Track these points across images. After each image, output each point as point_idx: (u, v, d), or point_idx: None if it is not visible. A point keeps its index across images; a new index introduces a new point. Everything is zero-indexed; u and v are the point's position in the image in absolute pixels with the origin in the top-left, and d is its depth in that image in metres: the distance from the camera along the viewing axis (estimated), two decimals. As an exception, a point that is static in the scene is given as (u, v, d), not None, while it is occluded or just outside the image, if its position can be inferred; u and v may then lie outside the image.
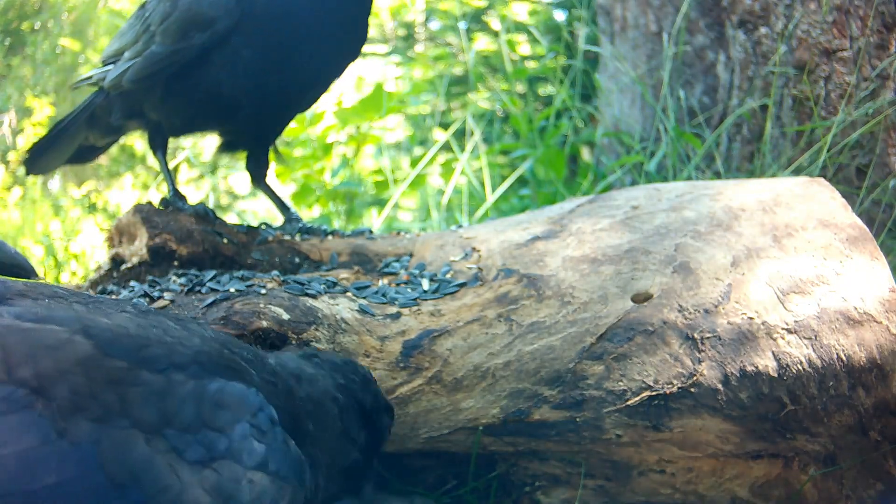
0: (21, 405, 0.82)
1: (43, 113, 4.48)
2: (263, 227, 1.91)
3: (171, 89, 1.81)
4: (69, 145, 2.05)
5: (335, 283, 1.65)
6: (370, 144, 3.64)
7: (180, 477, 0.87)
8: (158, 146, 1.92)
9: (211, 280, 1.67)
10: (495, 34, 4.52)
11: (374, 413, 1.23)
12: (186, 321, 1.06)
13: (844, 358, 1.40)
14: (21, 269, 1.50)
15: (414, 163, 3.59)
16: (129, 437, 0.86)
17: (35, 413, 0.82)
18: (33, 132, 4.61)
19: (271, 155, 2.03)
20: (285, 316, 1.43)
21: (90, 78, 1.95)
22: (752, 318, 1.43)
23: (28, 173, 2.18)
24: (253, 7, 1.65)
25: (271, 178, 2.04)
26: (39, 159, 2.08)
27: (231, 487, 0.91)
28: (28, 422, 0.82)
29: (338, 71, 1.87)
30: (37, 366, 0.84)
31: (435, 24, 5.08)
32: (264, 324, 1.41)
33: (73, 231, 4.10)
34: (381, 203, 3.78)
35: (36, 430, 0.82)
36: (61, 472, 0.81)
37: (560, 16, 4.45)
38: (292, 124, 2.97)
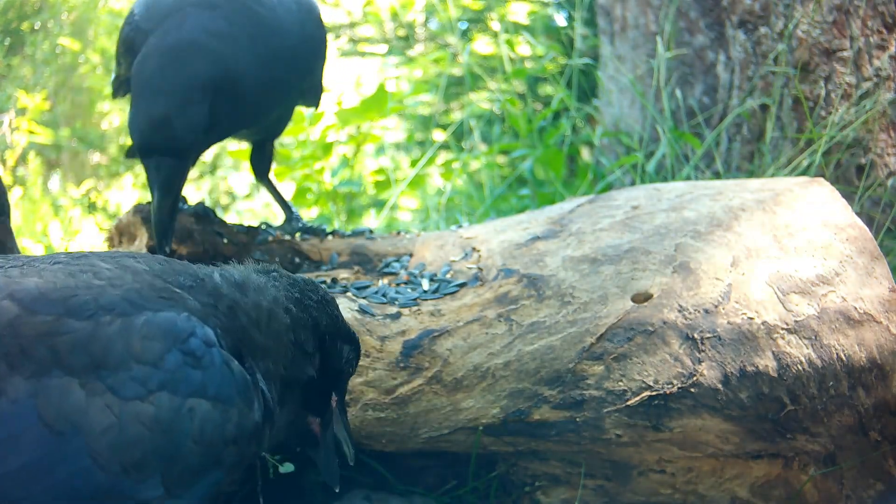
0: None
1: (36, 101, 4.47)
2: (263, 227, 1.92)
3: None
4: None
5: (335, 283, 1.65)
6: (370, 144, 3.64)
7: (118, 416, 0.89)
8: None
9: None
10: (495, 34, 4.52)
11: (330, 335, 1.18)
12: (122, 258, 1.06)
13: (844, 358, 1.40)
14: None
15: (414, 163, 3.59)
16: (65, 385, 0.88)
17: None
18: (28, 128, 4.61)
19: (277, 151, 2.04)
20: (285, 316, 1.43)
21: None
22: (752, 318, 1.43)
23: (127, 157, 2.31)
24: None
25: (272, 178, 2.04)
26: None
27: (170, 417, 0.92)
28: None
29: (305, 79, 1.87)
30: None
31: (434, 25, 5.08)
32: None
33: (73, 231, 4.10)
34: (380, 203, 3.78)
35: None
36: (3, 429, 0.85)
37: (560, 19, 4.45)
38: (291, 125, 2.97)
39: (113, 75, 1.86)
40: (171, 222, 1.60)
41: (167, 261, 1.10)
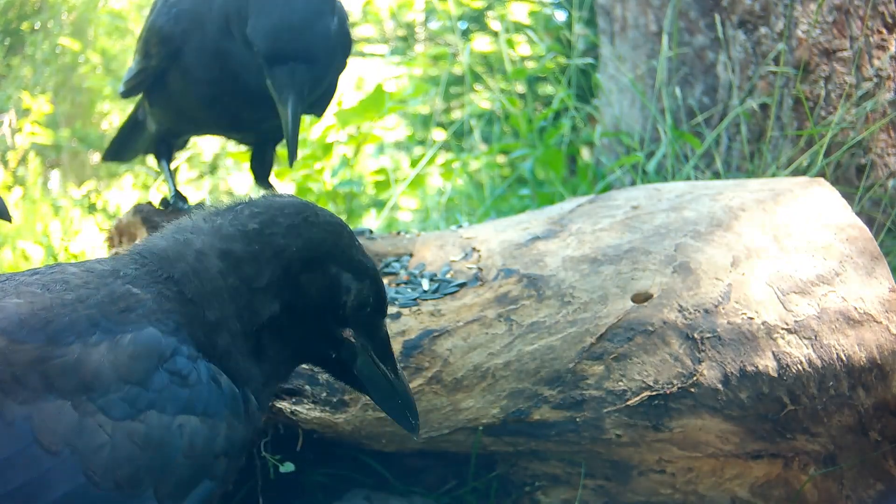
0: None
1: (39, 105, 4.47)
2: (264, 227, 1.91)
3: (150, 99, 1.88)
4: (134, 137, 2.14)
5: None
6: (370, 144, 3.63)
7: (110, 435, 0.92)
8: (161, 147, 1.94)
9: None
10: (495, 34, 4.52)
11: (307, 262, 1.08)
12: (88, 262, 1.08)
13: (844, 358, 1.40)
14: None
15: (414, 163, 3.59)
16: (58, 407, 0.91)
17: None
18: (31, 130, 4.60)
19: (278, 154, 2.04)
20: (285, 316, 1.43)
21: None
22: (752, 318, 1.43)
23: (103, 160, 2.34)
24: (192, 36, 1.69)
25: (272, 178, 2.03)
26: (114, 150, 2.21)
27: (160, 435, 0.94)
28: None
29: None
30: None
31: (434, 25, 5.08)
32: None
33: (73, 231, 4.10)
34: (380, 203, 3.78)
35: None
36: (0, 451, 0.88)
37: (560, 16, 4.45)
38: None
39: (132, 72, 1.83)
40: (298, 134, 1.59)
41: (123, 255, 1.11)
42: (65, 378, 0.93)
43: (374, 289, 1.14)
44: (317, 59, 1.56)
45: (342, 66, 1.86)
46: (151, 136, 1.95)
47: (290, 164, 1.65)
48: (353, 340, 1.14)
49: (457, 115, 4.56)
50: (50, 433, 0.90)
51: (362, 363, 1.15)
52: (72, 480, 0.89)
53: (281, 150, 2.06)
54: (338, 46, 1.75)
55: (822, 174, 2.27)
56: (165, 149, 1.93)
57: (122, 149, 2.19)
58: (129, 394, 0.94)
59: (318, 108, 1.95)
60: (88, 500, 0.90)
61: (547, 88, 4.30)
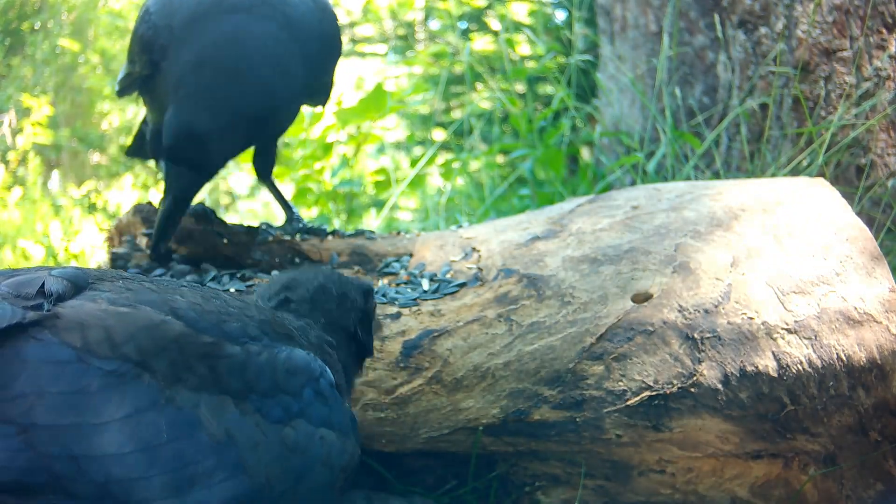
0: (131, 376, 0.93)
1: (42, 112, 4.48)
2: (264, 227, 1.91)
3: (144, 99, 1.89)
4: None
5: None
6: (370, 144, 3.64)
7: (266, 434, 1.00)
8: (156, 146, 1.93)
9: (211, 280, 1.67)
10: (495, 34, 4.52)
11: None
12: (229, 294, 1.18)
13: (844, 358, 1.40)
14: None
15: (414, 163, 3.59)
16: (222, 402, 0.98)
17: (144, 383, 0.94)
18: (33, 132, 4.61)
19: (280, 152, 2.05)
20: (285, 316, 1.43)
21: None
22: (752, 318, 1.43)
23: (126, 155, 2.37)
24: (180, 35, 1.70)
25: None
26: (135, 146, 2.25)
27: (306, 443, 1.04)
28: (140, 390, 0.93)
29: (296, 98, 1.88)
30: (138, 344, 0.95)
31: (434, 24, 5.08)
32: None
33: (73, 231, 4.10)
34: (380, 203, 3.78)
35: (147, 397, 0.93)
36: (171, 432, 0.93)
37: (560, 15, 4.45)
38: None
39: (122, 73, 1.85)
40: (173, 229, 1.64)
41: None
42: (230, 375, 1.00)
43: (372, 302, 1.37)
44: (208, 172, 1.63)
45: (336, 58, 1.87)
46: (151, 134, 1.95)
47: (151, 256, 1.72)
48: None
49: (457, 114, 4.56)
50: (215, 424, 0.96)
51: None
52: (232, 469, 0.95)
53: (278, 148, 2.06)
54: (327, 47, 1.77)
55: (821, 174, 2.27)
56: (160, 147, 1.94)
57: (143, 144, 2.21)
58: (283, 401, 1.04)
59: (318, 100, 1.96)
60: (243, 489, 0.96)
61: (547, 88, 4.30)
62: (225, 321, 1.05)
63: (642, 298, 1.48)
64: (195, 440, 0.94)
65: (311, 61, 1.72)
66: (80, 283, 1.02)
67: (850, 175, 2.34)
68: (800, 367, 1.40)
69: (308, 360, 1.10)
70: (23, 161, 4.85)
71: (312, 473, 1.04)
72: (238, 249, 1.80)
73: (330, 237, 1.88)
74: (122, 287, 1.04)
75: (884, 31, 2.28)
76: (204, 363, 0.98)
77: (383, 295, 1.59)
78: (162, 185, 2.92)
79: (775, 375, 1.40)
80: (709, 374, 1.40)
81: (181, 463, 0.92)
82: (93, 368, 0.92)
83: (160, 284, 1.09)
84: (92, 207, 4.89)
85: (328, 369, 1.13)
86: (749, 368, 1.40)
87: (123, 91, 1.88)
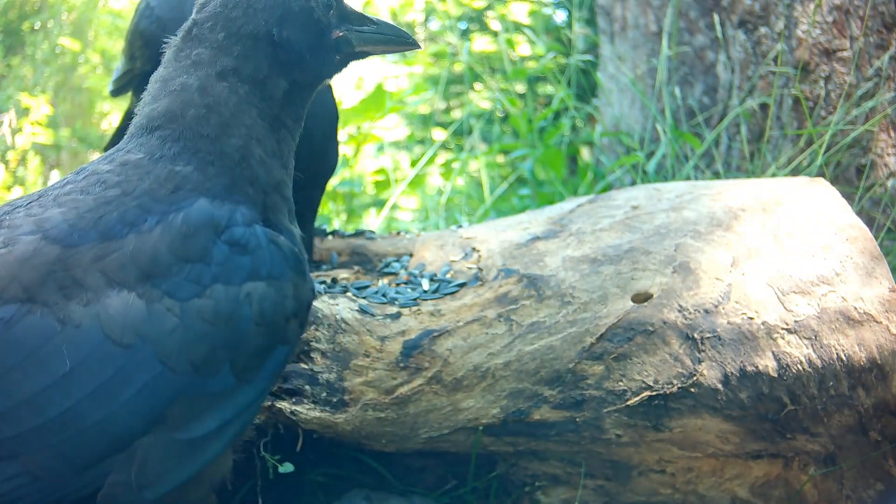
0: (21, 314, 0.89)
1: (41, 112, 4.47)
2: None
3: (138, 98, 1.87)
4: None
5: (335, 283, 1.65)
6: (370, 144, 3.63)
7: (179, 317, 0.91)
8: None
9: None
10: (495, 34, 4.51)
11: (280, 20, 1.09)
12: (113, 164, 1.06)
13: (844, 358, 1.40)
14: None
15: (414, 163, 3.59)
16: (123, 300, 0.91)
17: (35, 316, 0.89)
18: (32, 131, 4.60)
19: None
20: (285, 316, 1.43)
21: None
22: (752, 318, 1.43)
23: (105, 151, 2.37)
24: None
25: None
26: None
27: (229, 308, 0.93)
28: (31, 325, 0.89)
29: None
30: (20, 282, 0.91)
31: (434, 25, 5.08)
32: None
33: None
34: (380, 203, 3.78)
35: (40, 330, 0.89)
36: (74, 355, 0.88)
37: (560, 16, 4.45)
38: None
39: (119, 71, 1.84)
40: None
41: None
42: (124, 270, 0.92)
43: None
44: None
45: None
46: None
47: None
48: (343, 34, 1.15)
49: (457, 114, 4.56)
50: (119, 327, 0.89)
51: (357, 38, 1.16)
52: (149, 370, 0.89)
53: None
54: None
55: (821, 174, 2.27)
56: None
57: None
58: (192, 272, 0.93)
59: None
60: (168, 386, 0.90)
61: (547, 88, 4.30)
62: (103, 216, 0.95)
63: (642, 298, 1.48)
64: (101, 353, 0.88)
65: None
66: None
67: (850, 175, 2.34)
68: (800, 367, 1.40)
69: (208, 212, 0.96)
70: (22, 161, 4.84)
71: (247, 339, 0.94)
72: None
73: (330, 237, 1.88)
74: (4, 223, 0.98)
75: (884, 31, 2.28)
76: (93, 270, 0.91)
77: (383, 295, 1.59)
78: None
79: (775, 375, 1.40)
80: (709, 374, 1.40)
81: (95, 381, 0.87)
82: None
83: (42, 198, 1.01)
84: (92, 207, 4.88)
85: (240, 208, 0.99)
86: (749, 368, 1.40)
87: (119, 90, 1.87)
